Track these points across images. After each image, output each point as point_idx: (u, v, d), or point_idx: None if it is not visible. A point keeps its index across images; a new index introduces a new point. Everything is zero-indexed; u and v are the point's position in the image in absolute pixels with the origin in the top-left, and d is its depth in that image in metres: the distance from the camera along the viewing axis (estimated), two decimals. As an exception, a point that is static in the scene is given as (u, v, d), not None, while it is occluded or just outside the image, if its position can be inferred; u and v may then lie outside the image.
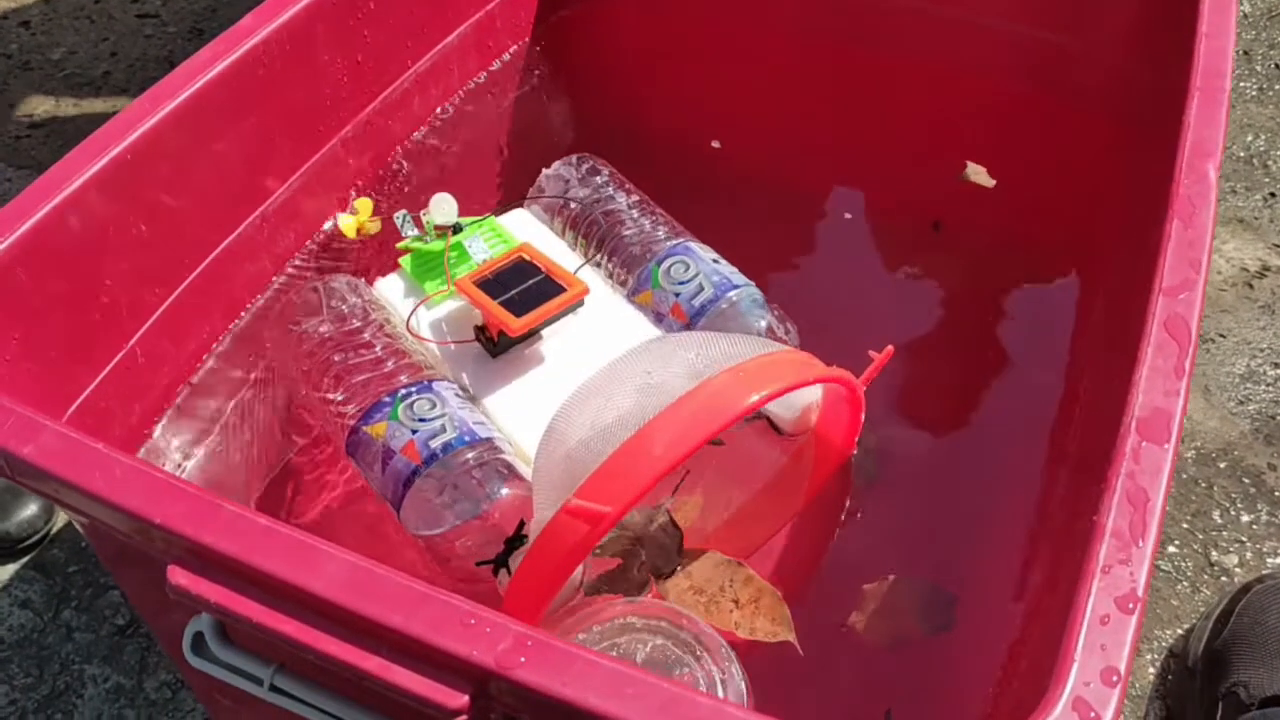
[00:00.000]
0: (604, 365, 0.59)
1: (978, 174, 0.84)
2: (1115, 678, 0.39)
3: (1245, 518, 0.91)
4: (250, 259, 0.72)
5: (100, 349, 0.63)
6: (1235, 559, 0.89)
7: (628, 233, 0.77)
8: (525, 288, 0.69)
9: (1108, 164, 0.81)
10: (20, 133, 1.33)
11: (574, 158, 0.83)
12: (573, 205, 0.80)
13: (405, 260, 0.74)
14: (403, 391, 0.65)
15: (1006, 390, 0.82)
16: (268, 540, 0.42)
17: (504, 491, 0.62)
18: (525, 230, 0.79)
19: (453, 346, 0.71)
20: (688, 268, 0.74)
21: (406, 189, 0.83)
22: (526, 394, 0.69)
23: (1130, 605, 0.40)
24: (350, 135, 0.77)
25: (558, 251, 0.77)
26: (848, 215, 0.94)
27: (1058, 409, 0.77)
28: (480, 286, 0.69)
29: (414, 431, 0.63)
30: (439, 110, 0.86)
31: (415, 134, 0.84)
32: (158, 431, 0.67)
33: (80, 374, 0.62)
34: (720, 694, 0.54)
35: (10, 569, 0.92)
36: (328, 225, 0.78)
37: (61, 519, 0.95)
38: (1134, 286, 0.62)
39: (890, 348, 0.66)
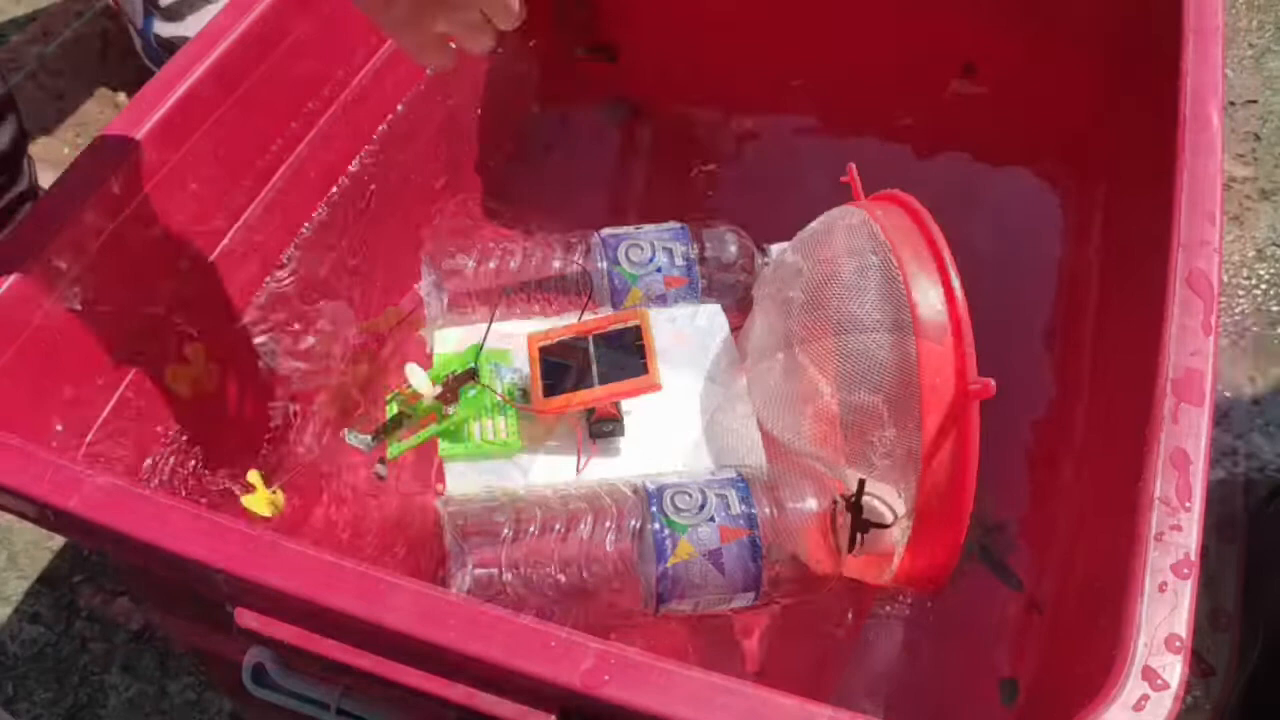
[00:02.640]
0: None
1: None
2: (1179, 644, 0.40)
3: (1230, 432, 0.94)
4: (243, 263, 0.70)
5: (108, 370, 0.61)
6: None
7: (557, 264, 0.71)
8: (604, 355, 0.62)
9: (1102, 91, 0.80)
10: (-43, 125, 1.28)
11: (427, 257, 0.70)
12: (468, 286, 0.70)
13: (445, 450, 0.63)
14: (653, 510, 0.57)
15: (1000, 302, 0.81)
16: (333, 577, 0.42)
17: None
18: (474, 337, 0.66)
19: (583, 462, 0.63)
20: (635, 243, 0.71)
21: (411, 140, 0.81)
22: (682, 429, 0.64)
23: (1185, 571, 0.42)
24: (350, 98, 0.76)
25: (530, 326, 0.68)
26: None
27: (1060, 320, 0.77)
28: (557, 393, 0.62)
29: (711, 519, 0.57)
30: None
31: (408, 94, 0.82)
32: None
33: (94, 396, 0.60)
34: None
35: (15, 584, 0.90)
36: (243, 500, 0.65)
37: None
38: (1136, 206, 0.65)
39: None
